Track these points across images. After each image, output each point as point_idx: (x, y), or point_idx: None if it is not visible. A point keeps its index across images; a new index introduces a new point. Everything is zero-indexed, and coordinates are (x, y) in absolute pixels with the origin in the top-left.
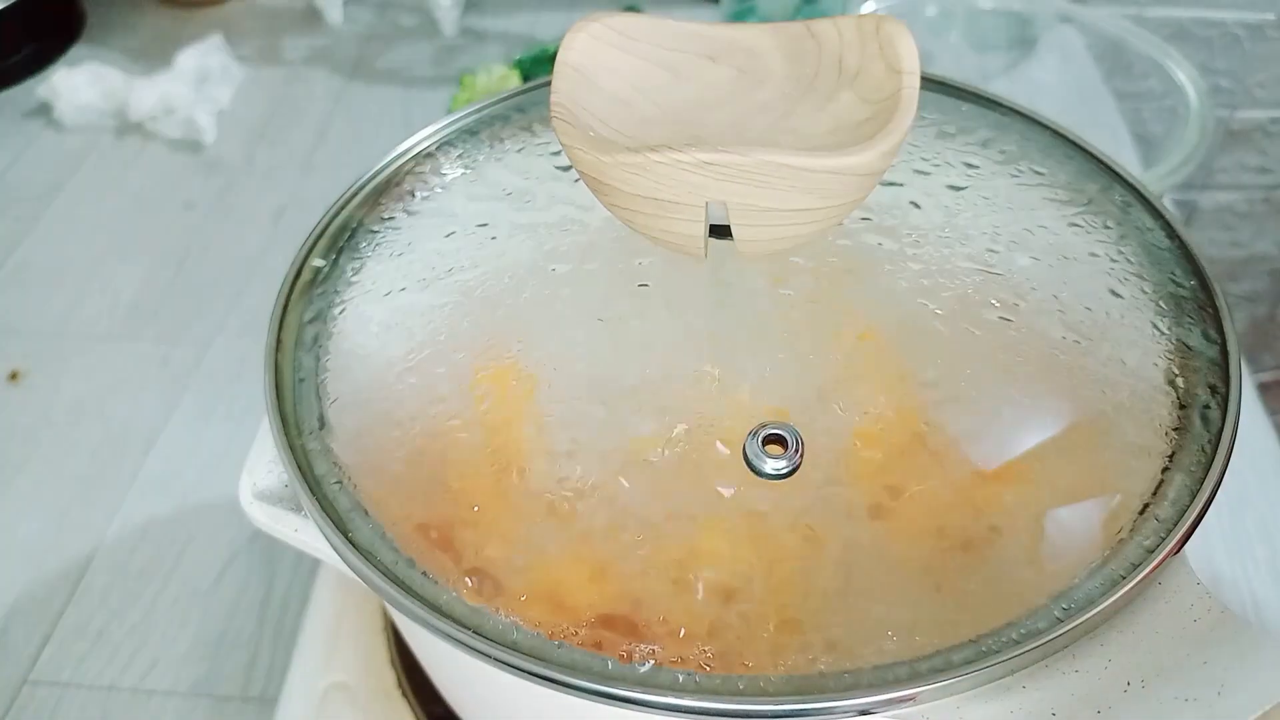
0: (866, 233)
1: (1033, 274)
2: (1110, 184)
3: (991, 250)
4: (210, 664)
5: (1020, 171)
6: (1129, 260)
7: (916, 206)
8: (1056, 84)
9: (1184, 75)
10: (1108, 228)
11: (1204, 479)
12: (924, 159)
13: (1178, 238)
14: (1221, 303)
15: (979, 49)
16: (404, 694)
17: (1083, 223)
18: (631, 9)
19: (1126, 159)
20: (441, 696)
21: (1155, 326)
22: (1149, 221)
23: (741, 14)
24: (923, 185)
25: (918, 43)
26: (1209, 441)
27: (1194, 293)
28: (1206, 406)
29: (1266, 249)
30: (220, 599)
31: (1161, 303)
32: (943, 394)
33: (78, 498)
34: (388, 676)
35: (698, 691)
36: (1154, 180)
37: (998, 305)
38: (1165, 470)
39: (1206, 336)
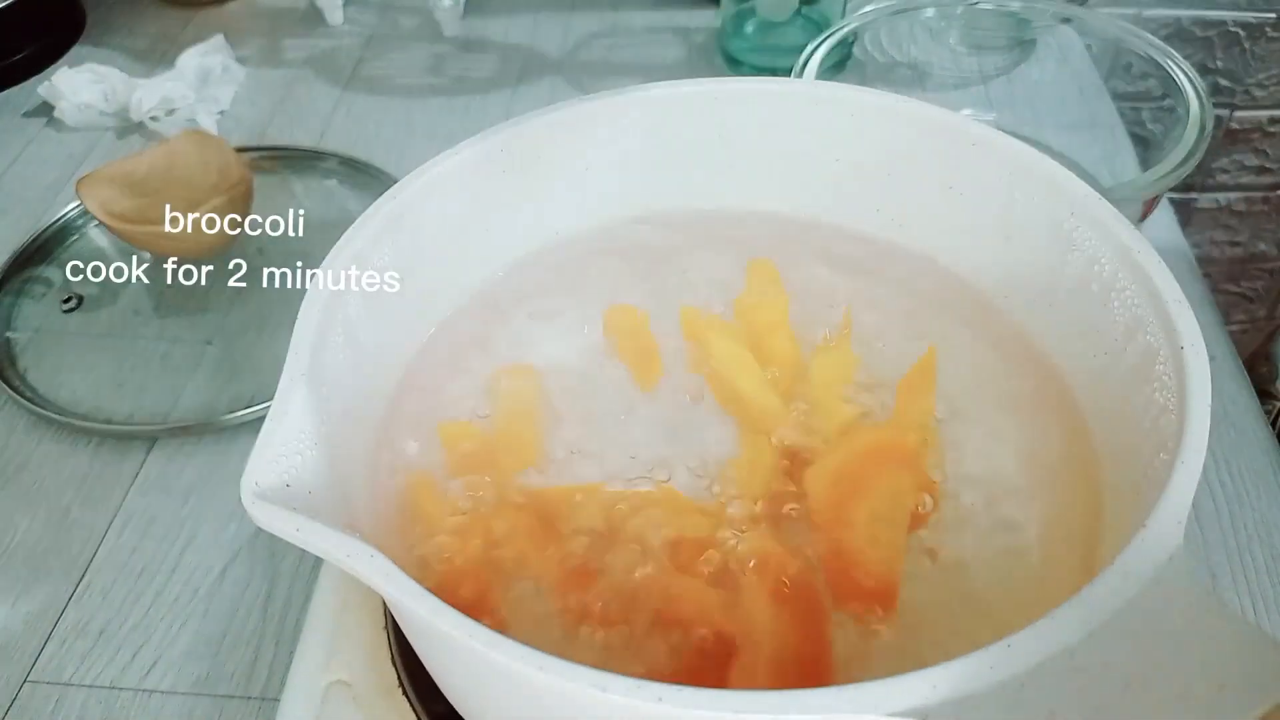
0: None
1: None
2: None
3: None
4: (212, 663)
5: None
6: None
7: None
8: (1055, 84)
9: (1183, 75)
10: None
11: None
12: None
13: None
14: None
15: (977, 50)
16: (405, 693)
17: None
18: None
19: (1125, 159)
20: (442, 695)
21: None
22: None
23: (741, 14)
24: None
25: (916, 44)
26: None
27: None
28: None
29: (1266, 249)
30: (222, 598)
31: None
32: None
33: (79, 497)
34: (389, 675)
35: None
36: (1153, 180)
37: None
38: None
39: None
